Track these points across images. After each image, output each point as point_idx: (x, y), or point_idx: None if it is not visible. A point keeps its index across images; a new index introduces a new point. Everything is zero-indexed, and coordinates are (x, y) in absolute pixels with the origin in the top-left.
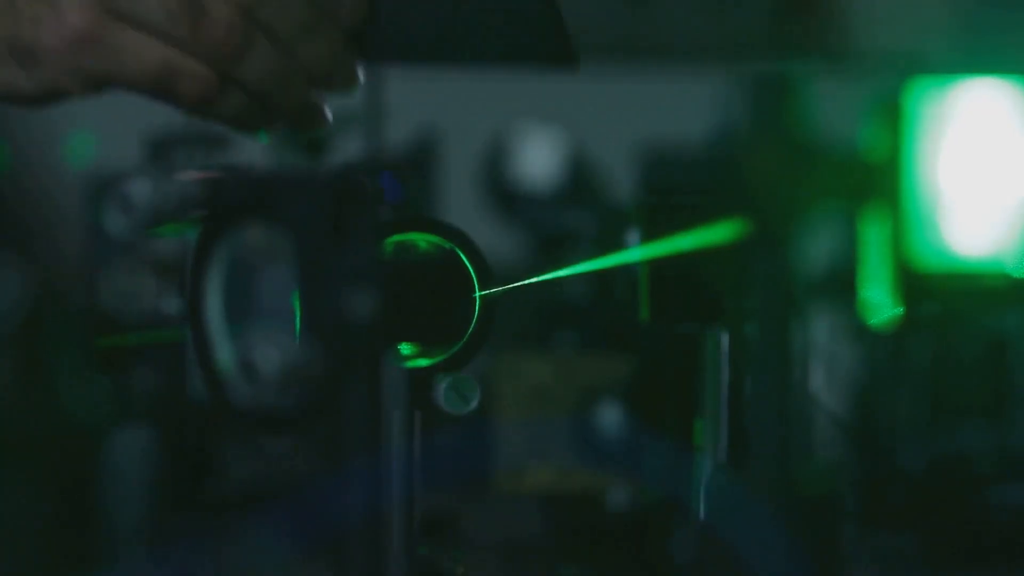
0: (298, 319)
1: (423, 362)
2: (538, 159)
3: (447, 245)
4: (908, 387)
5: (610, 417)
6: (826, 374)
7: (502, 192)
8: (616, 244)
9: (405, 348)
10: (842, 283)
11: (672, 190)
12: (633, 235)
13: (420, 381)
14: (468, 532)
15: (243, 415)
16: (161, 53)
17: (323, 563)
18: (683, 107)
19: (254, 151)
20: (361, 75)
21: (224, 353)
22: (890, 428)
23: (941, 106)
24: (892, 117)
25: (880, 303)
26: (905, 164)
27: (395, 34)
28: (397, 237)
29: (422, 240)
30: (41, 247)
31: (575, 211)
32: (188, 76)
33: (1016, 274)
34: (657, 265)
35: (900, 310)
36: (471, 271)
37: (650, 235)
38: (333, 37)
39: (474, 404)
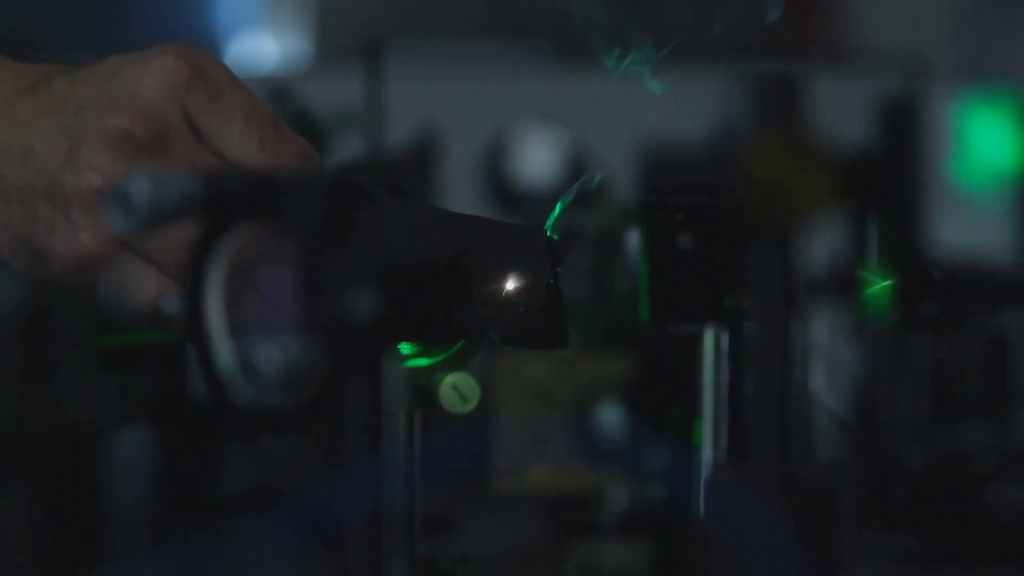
0: (298, 319)
1: (423, 362)
2: (538, 158)
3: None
4: (908, 387)
5: (610, 417)
6: (826, 374)
7: (502, 191)
8: (616, 243)
9: (405, 348)
10: (842, 283)
11: (672, 190)
12: (633, 235)
13: (420, 381)
14: (468, 532)
15: (244, 415)
16: (161, 287)
17: (323, 563)
18: (683, 107)
19: None
20: None
21: (224, 353)
22: (890, 428)
23: (942, 107)
24: (893, 117)
25: (880, 303)
26: (906, 163)
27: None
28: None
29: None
30: None
31: (575, 210)
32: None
33: (1016, 274)
34: (657, 265)
35: (900, 309)
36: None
37: (650, 235)
38: None
39: (474, 404)
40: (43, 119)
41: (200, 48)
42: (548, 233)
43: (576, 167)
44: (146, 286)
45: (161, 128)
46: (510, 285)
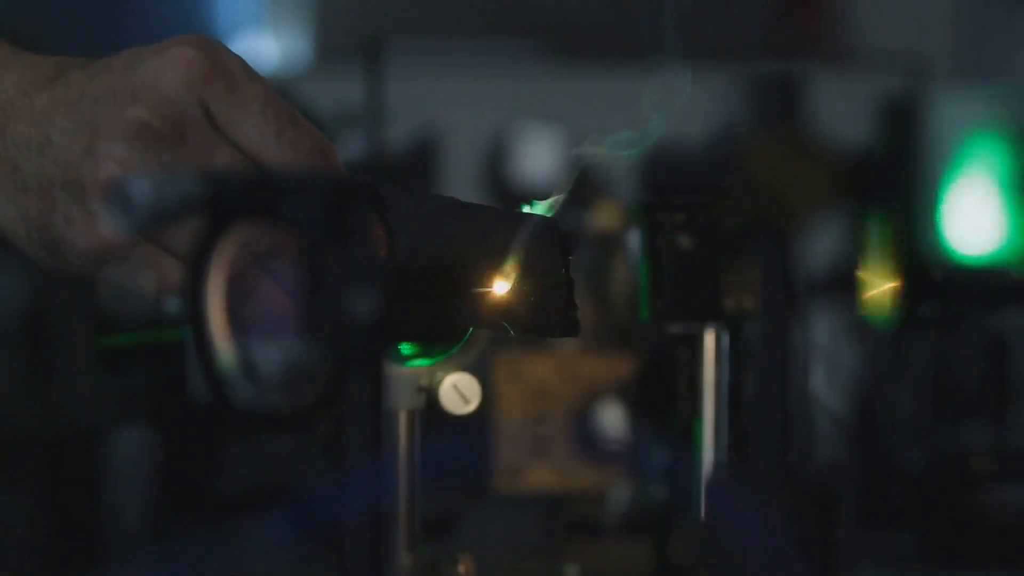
0: (298, 319)
1: (423, 362)
2: (538, 158)
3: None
4: (908, 387)
5: (611, 417)
6: (826, 374)
7: (502, 191)
8: (616, 243)
9: (405, 348)
10: (843, 283)
11: (672, 190)
12: (633, 235)
13: (420, 381)
14: (468, 532)
15: (244, 415)
16: (179, 275)
17: (323, 563)
18: (683, 107)
19: None
20: None
21: (224, 353)
22: (890, 428)
23: (943, 107)
24: (894, 117)
25: (880, 303)
26: (906, 164)
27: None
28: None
29: None
30: None
31: (575, 210)
32: None
33: (1016, 274)
34: (657, 265)
35: (900, 309)
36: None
37: (650, 235)
38: None
39: (474, 404)
40: (61, 111)
41: (216, 40)
42: (559, 224)
43: (576, 167)
44: (167, 276)
45: (179, 119)
46: (523, 275)
